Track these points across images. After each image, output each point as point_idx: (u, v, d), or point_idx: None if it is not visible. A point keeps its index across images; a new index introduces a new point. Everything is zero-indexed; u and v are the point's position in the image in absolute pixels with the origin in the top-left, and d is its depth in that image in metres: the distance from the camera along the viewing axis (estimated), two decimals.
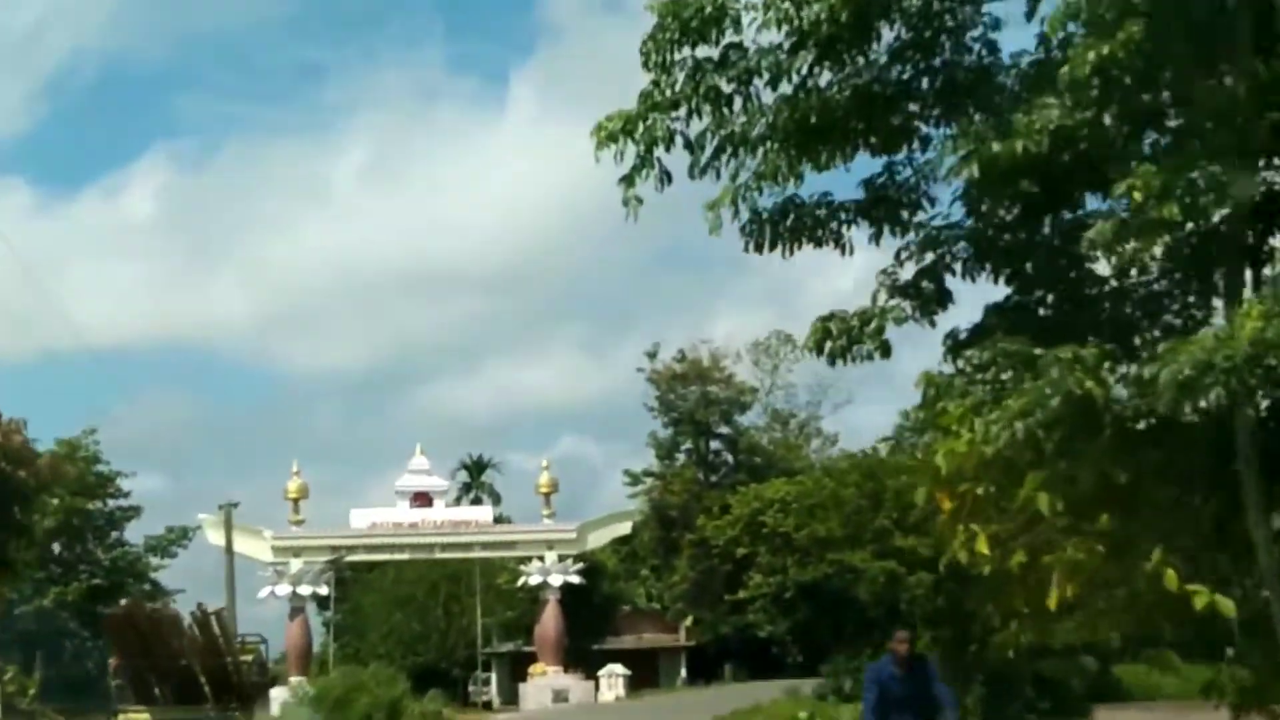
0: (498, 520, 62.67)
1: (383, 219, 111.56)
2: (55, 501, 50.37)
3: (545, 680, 53.73)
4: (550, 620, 54.51)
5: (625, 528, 57.16)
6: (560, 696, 53.09)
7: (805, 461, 69.36)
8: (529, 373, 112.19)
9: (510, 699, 62.00)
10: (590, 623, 60.68)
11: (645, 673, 59.59)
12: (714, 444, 70.81)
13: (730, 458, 70.82)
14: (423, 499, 55.00)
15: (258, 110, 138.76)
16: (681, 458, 70.56)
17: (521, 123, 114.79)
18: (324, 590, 53.15)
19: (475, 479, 70.86)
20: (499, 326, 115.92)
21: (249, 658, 29.73)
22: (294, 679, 51.68)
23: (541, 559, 54.51)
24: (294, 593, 52.91)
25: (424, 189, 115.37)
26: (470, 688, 67.01)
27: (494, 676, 65.61)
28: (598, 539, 56.28)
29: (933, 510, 10.45)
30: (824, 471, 46.13)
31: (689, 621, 68.51)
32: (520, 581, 55.70)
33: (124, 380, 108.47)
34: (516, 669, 59.66)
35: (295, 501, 54.26)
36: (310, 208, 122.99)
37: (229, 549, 35.28)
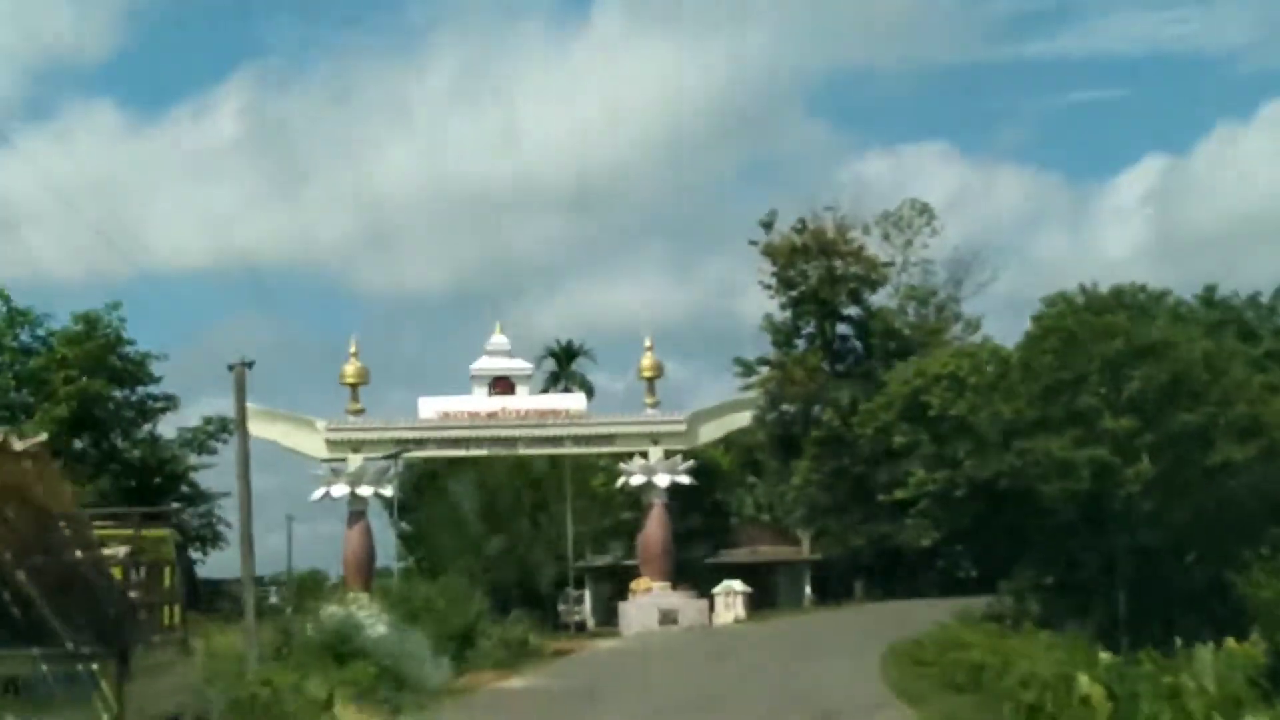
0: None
1: (466, 138, 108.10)
2: (66, 386, 43.93)
3: (650, 598, 46.38)
4: (656, 528, 47.03)
5: (744, 418, 49.34)
6: (668, 618, 45.75)
7: (948, 349, 60.84)
8: (615, 293, 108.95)
9: (608, 620, 54.81)
10: (701, 533, 53.13)
11: (762, 591, 51.90)
12: (840, 327, 62.41)
13: (859, 344, 62.40)
14: (503, 385, 47.55)
15: (340, 31, 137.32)
16: (802, 344, 62.28)
17: (606, 37, 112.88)
18: (388, 492, 45.88)
19: (564, 368, 63.19)
20: (585, 245, 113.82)
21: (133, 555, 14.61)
22: (352, 596, 44.83)
23: (645, 456, 46.96)
24: (352, 494, 45.94)
25: (507, 107, 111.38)
26: (561, 607, 59.97)
27: (588, 594, 58.46)
28: (711, 432, 48.55)
29: None
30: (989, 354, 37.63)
31: (811, 533, 60.81)
32: (620, 483, 48.18)
33: (209, 303, 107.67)
34: (615, 586, 52.44)
35: (354, 388, 47.03)
36: (395, 128, 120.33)
37: (241, 422, 27.72)
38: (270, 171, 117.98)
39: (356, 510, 46.26)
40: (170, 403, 48.43)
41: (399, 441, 46.02)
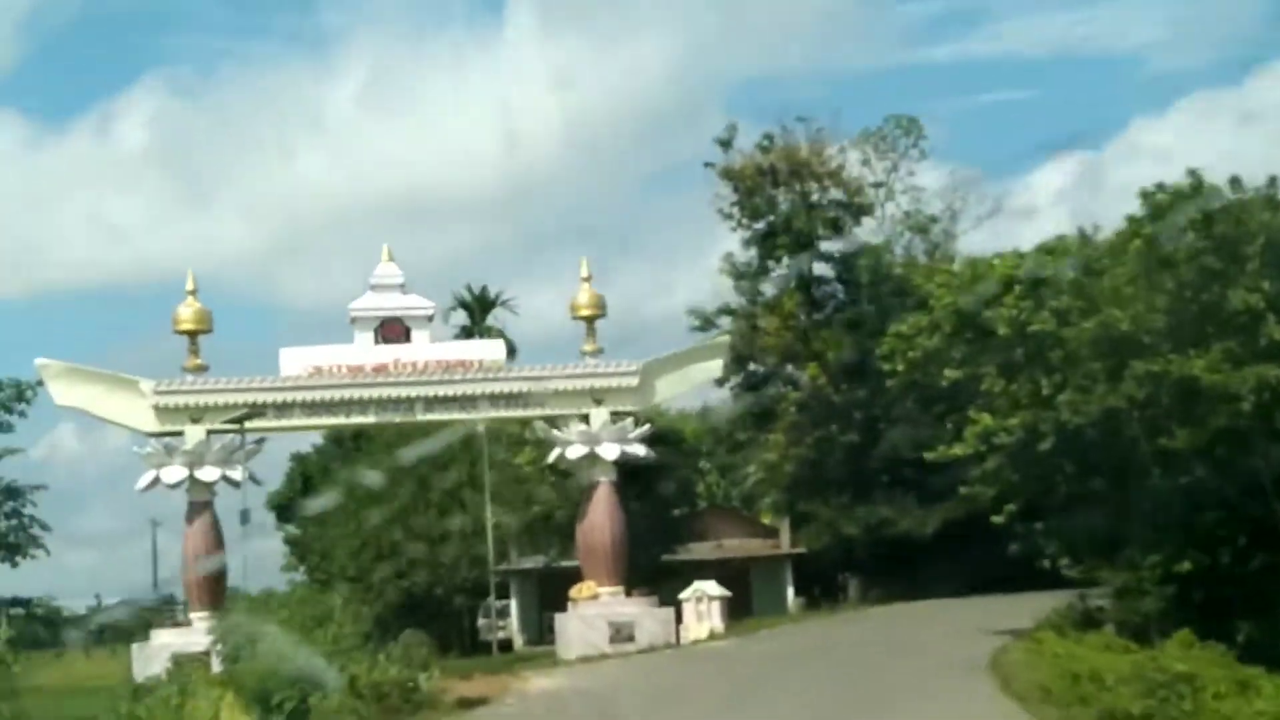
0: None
1: (379, 145, 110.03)
2: None
3: (597, 609, 35.85)
4: (602, 516, 36.46)
5: (712, 368, 38.75)
6: (622, 634, 35.31)
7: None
8: (535, 299, 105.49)
9: (540, 637, 44.33)
10: (657, 522, 42.48)
11: (734, 594, 41.33)
12: (819, 267, 52.12)
13: (842, 286, 52.09)
14: (395, 330, 36.76)
15: (249, 39, 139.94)
16: (770, 289, 51.91)
17: (519, 41, 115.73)
18: (236, 475, 34.89)
19: (477, 321, 52.22)
20: (500, 253, 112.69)
21: None
22: (195, 617, 33.92)
23: (585, 421, 36.29)
24: (191, 479, 34.80)
25: (420, 112, 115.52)
26: (480, 622, 49.32)
27: (514, 605, 47.89)
28: (671, 386, 37.96)
29: None
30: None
31: (789, 520, 50.54)
32: (552, 457, 37.47)
33: (117, 317, 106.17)
34: (550, 592, 41.88)
35: (192, 336, 35.94)
36: (306, 136, 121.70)
37: None
38: (177, 180, 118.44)
39: (198, 501, 35.19)
40: None
41: (252, 406, 35.08)
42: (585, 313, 37.45)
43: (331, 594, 32.42)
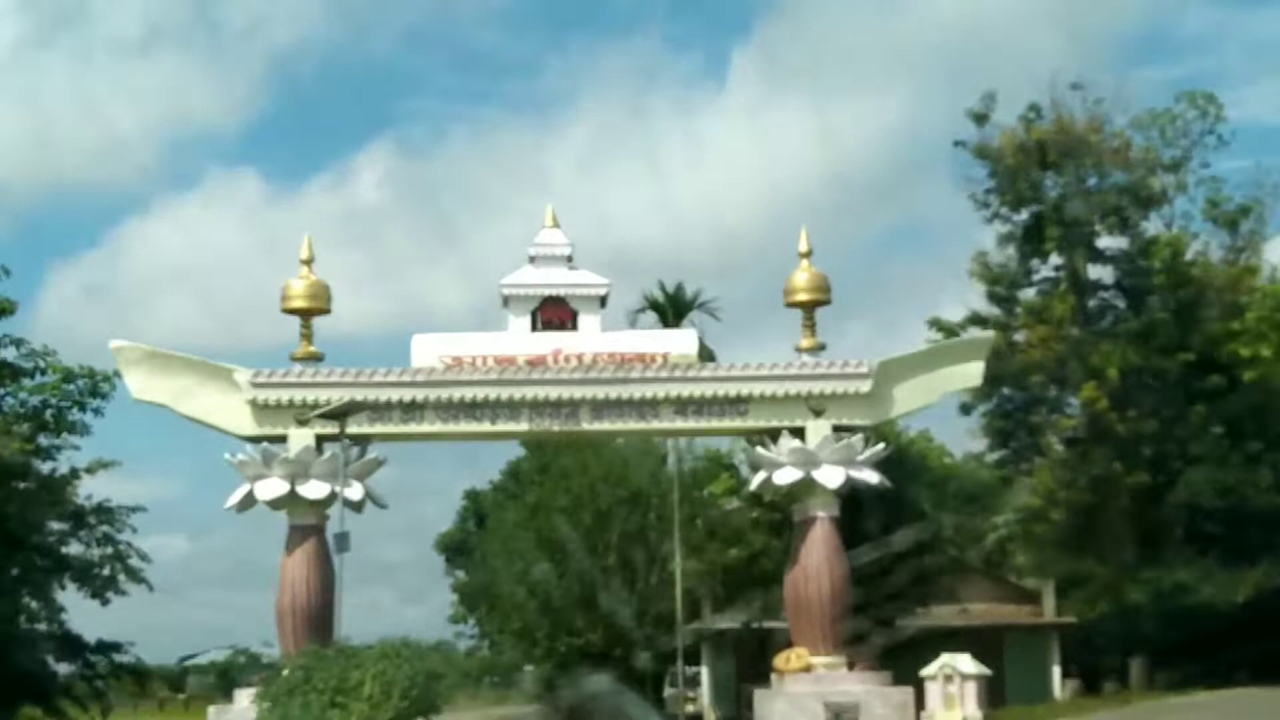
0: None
1: (600, 204, 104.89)
2: None
3: (809, 684, 27.57)
4: (819, 561, 28.35)
5: (970, 373, 30.00)
6: (844, 717, 26.80)
7: (1262, 298, 41.37)
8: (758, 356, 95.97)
9: (739, 714, 36.43)
10: (889, 576, 33.90)
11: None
12: (1094, 270, 43.06)
13: (1124, 292, 42.92)
14: (558, 313, 29.32)
15: (477, 104, 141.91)
16: (1029, 294, 43.01)
17: (743, 103, 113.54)
18: (355, 494, 27.84)
19: (671, 323, 44.69)
20: (725, 310, 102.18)
21: None
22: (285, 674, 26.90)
23: (799, 437, 28.26)
24: (292, 495, 27.89)
25: (644, 173, 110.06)
26: (668, 692, 41.72)
27: (706, 674, 39.94)
28: (913, 395, 29.51)
29: None
30: None
31: (1053, 583, 41.53)
32: (755, 483, 29.47)
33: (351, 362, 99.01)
34: (749, 660, 33.82)
35: (304, 316, 29.16)
36: (533, 196, 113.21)
37: None
38: (407, 238, 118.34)
39: (301, 525, 28.20)
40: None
41: (375, 407, 28.05)
42: (803, 296, 29.44)
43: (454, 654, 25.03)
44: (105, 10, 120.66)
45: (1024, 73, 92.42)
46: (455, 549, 59.06)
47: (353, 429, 28.00)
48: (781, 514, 31.71)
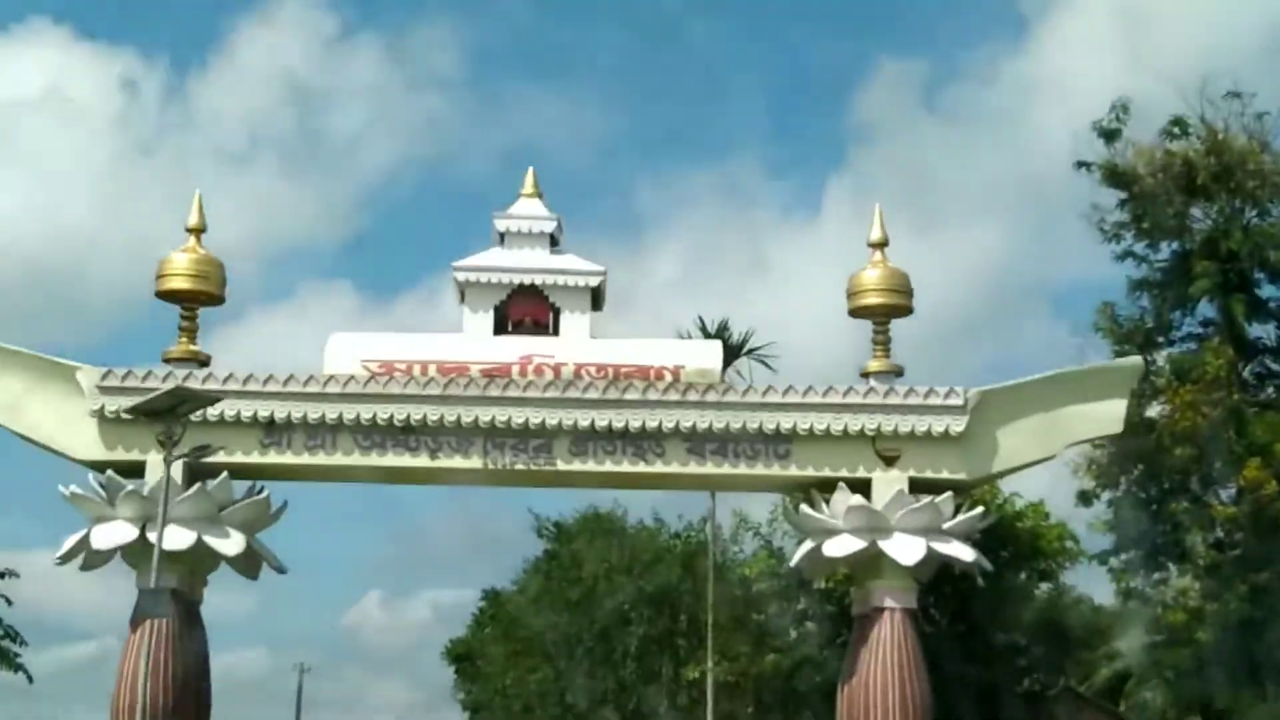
0: (729, 350, 29.21)
1: (687, 326, 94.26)
2: None
3: None
4: (886, 671, 20.13)
5: (1111, 415, 21.46)
6: None
7: None
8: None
9: None
10: (989, 696, 25.45)
11: None
12: (1255, 329, 34.61)
13: None
14: (531, 309, 21.72)
15: (569, 221, 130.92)
16: (1165, 357, 34.60)
17: (835, 229, 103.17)
18: (233, 546, 20.09)
19: None
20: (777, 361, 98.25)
21: None
22: None
23: (861, 492, 20.23)
24: (143, 540, 20.29)
25: (734, 294, 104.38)
26: None
27: None
28: (1026, 441, 21.28)
29: None
30: None
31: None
32: (799, 556, 21.32)
33: None
34: None
35: (185, 302, 21.62)
36: (621, 314, 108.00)
37: None
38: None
39: (152, 589, 20.40)
40: None
41: (267, 426, 20.47)
42: (873, 299, 21.53)
43: None
44: (209, 121, 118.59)
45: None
46: (466, 658, 50.94)
47: (238, 457, 20.53)
48: (836, 604, 23.56)
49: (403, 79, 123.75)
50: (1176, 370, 32.86)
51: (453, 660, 52.18)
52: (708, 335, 32.86)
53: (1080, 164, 35.88)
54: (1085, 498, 34.32)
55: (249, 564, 21.41)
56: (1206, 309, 34.52)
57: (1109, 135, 35.77)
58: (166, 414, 18.23)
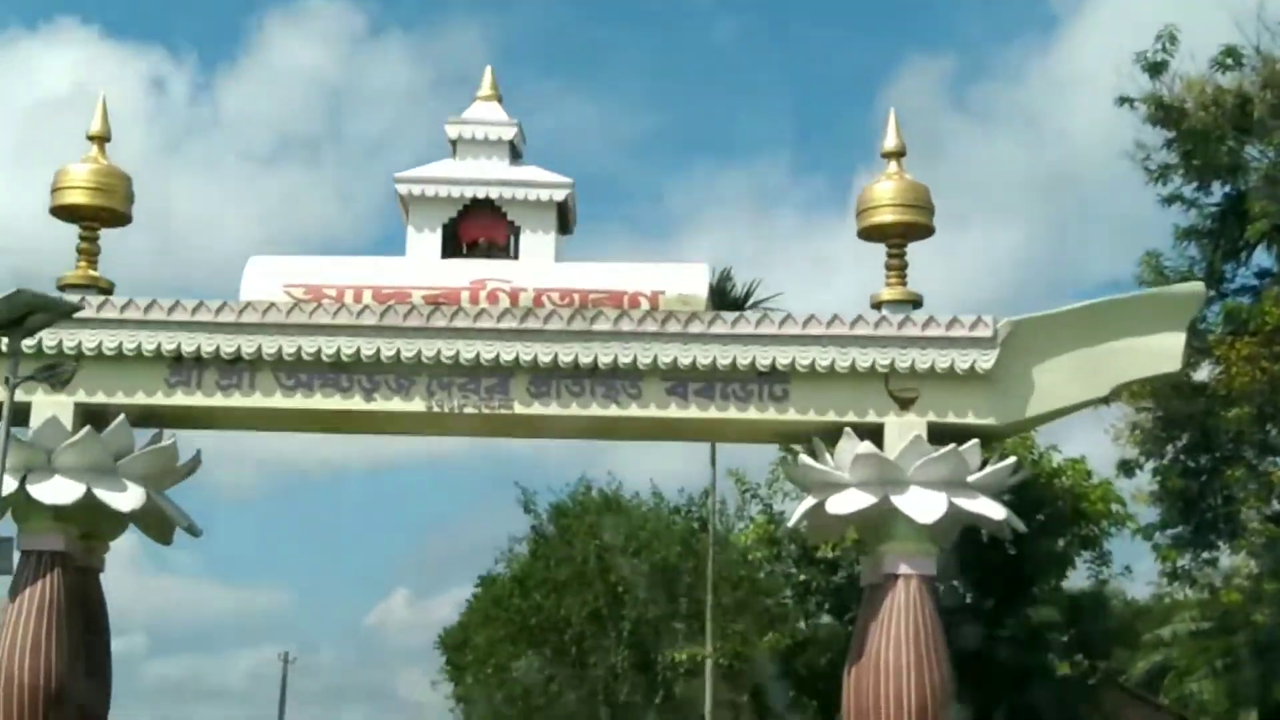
0: (730, 304, 26.44)
1: None
2: None
3: None
4: (899, 656, 16.92)
5: (1168, 349, 18.38)
6: None
7: None
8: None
9: None
10: (1020, 680, 22.25)
11: None
12: None
13: None
14: (485, 228, 18.76)
15: (600, 223, 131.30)
16: (1216, 311, 31.33)
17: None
18: (130, 501, 17.20)
19: None
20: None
21: None
22: None
23: (873, 439, 17.17)
24: (23, 494, 17.36)
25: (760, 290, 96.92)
26: None
27: None
28: (1068, 384, 18.15)
29: None
30: None
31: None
32: (796, 517, 18.24)
33: None
34: None
35: (84, 221, 18.68)
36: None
37: None
38: None
39: (36, 551, 17.51)
40: None
41: (173, 362, 17.62)
42: (887, 216, 18.45)
43: None
44: (237, 121, 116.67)
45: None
46: (459, 647, 47.97)
47: (140, 398, 17.65)
48: (844, 574, 20.53)
49: (430, 78, 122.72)
50: (1232, 321, 29.68)
51: (446, 650, 49.28)
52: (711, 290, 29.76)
53: (1123, 100, 32.73)
54: (1127, 467, 31.07)
55: (156, 525, 18.54)
56: (1263, 257, 31.34)
57: (1155, 68, 32.48)
58: (12, 327, 15.24)
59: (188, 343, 17.65)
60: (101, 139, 18.86)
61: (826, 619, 22.70)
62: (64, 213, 18.58)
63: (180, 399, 17.81)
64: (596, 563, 33.08)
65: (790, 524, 18.69)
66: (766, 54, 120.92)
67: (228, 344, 17.66)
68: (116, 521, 18.06)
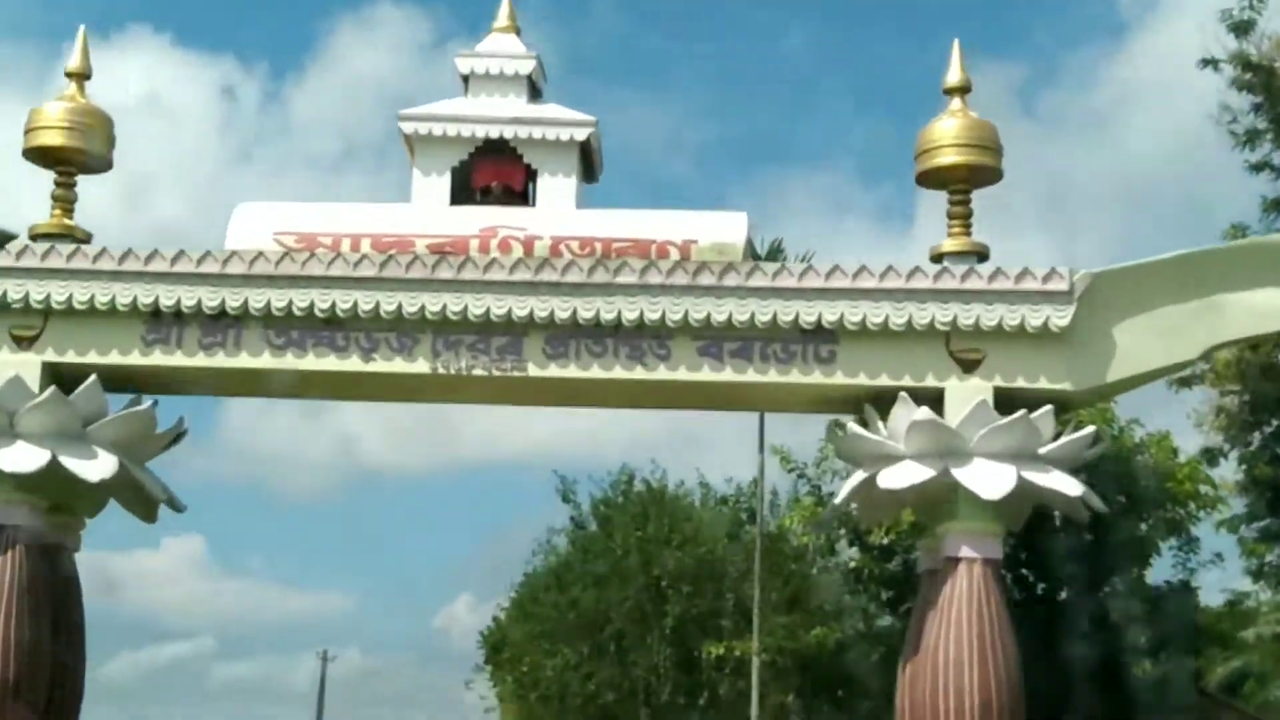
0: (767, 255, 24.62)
1: None
2: None
3: None
4: (961, 650, 14.92)
5: (1273, 306, 16.25)
6: None
7: None
8: None
9: None
10: (1100, 680, 20.13)
11: None
12: None
13: None
14: (499, 171, 16.86)
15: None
16: None
17: (931, 236, 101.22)
18: (100, 470, 15.49)
19: None
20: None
21: None
22: None
23: (933, 405, 15.16)
24: None
25: None
26: None
27: None
28: (1157, 345, 16.07)
29: None
30: None
31: None
32: (845, 492, 16.22)
33: None
34: None
35: (59, 164, 16.97)
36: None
37: None
38: None
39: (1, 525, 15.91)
40: None
41: (151, 318, 15.92)
42: (951, 157, 16.42)
43: None
44: (305, 128, 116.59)
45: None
46: (499, 647, 46.21)
47: (114, 357, 16.00)
48: (901, 559, 18.57)
49: None
50: None
51: (487, 649, 47.58)
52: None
53: (1206, 61, 30.56)
54: (1210, 455, 28.91)
55: (137, 499, 16.82)
56: None
57: (1241, 28, 30.38)
58: None
59: (166, 296, 15.92)
60: (80, 75, 17.19)
61: (879, 611, 20.70)
62: (37, 155, 16.90)
63: (158, 359, 16.10)
64: (639, 555, 31.33)
65: (837, 501, 16.67)
66: (835, 63, 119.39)
67: (210, 297, 15.93)
68: (91, 494, 16.38)
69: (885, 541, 19.23)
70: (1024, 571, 19.40)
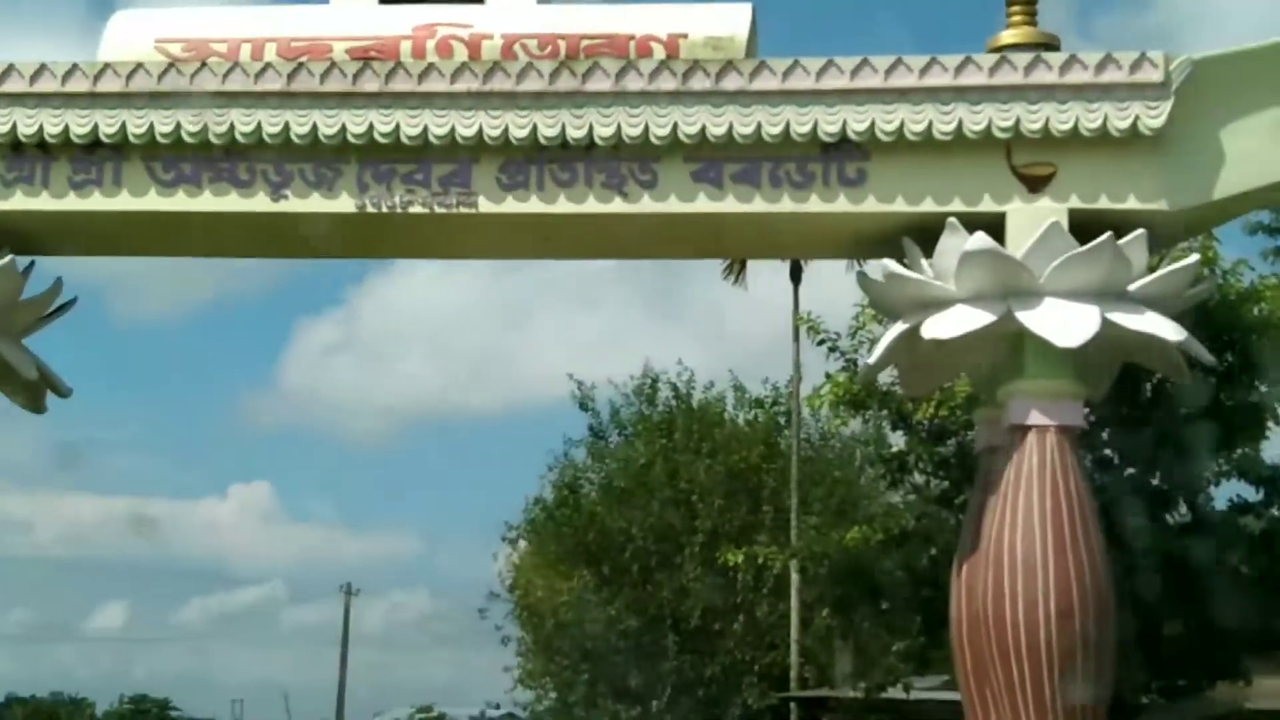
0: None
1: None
2: None
3: None
4: (1031, 544, 11.64)
5: None
6: None
7: None
8: None
9: None
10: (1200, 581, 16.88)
11: None
12: None
13: None
14: None
15: None
16: None
17: None
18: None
19: None
20: None
21: None
22: None
23: (993, 233, 11.85)
24: None
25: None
26: None
27: None
28: (1272, 159, 12.61)
29: None
30: None
31: None
32: (878, 352, 12.92)
33: None
34: None
35: None
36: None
37: None
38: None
39: None
40: None
41: (10, 151, 12.82)
42: None
43: None
44: None
45: None
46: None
47: None
48: (956, 442, 15.35)
49: None
50: None
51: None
52: None
53: None
54: None
55: (9, 380, 13.78)
56: None
57: None
58: None
59: (26, 123, 12.82)
60: None
61: (928, 505, 17.54)
62: None
63: (20, 202, 13.04)
64: (664, 466, 28.34)
65: (872, 361, 13.37)
66: None
67: (80, 123, 12.81)
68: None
69: (934, 418, 16.08)
70: (1107, 453, 16.18)
